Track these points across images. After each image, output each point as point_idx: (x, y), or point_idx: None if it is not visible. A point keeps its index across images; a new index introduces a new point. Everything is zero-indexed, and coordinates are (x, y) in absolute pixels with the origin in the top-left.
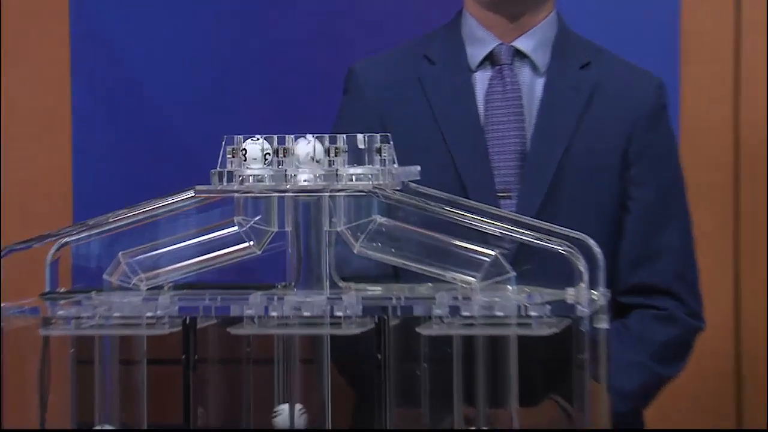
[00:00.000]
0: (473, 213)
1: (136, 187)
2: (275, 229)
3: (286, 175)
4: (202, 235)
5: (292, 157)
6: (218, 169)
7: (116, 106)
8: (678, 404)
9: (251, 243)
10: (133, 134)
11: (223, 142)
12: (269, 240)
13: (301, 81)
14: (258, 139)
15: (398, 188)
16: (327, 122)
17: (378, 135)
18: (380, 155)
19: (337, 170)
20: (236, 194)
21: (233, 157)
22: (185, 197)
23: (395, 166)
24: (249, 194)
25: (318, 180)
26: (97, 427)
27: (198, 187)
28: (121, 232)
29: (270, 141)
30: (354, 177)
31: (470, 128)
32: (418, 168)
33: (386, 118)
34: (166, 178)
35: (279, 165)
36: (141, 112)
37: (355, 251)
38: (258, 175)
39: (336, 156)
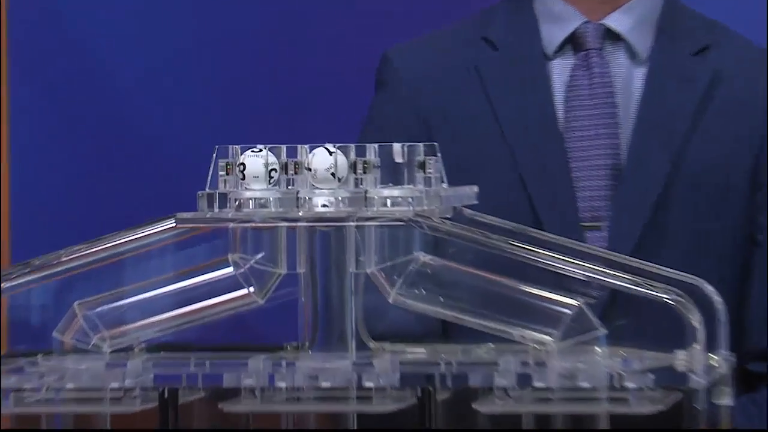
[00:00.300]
0: (549, 249)
1: (97, 215)
2: (283, 270)
3: (298, 198)
4: (185, 279)
5: (307, 175)
6: (207, 190)
7: (67, 104)
8: None
9: (251, 289)
10: (93, 143)
11: (214, 155)
12: (275, 285)
13: (316, 73)
14: (260, 151)
15: (448, 216)
16: (352, 128)
17: (421, 145)
18: (424, 171)
19: (366, 192)
20: (231, 224)
21: (227, 174)
22: (163, 228)
23: (444, 185)
24: (248, 224)
25: (341, 205)
26: None
27: (180, 215)
28: (77, 276)
29: (276, 153)
30: (389, 201)
31: (545, 134)
32: (475, 189)
33: (432, 121)
34: (137, 201)
35: (289, 185)
36: (102, 113)
37: (390, 300)
38: (261, 199)
39: (365, 172)
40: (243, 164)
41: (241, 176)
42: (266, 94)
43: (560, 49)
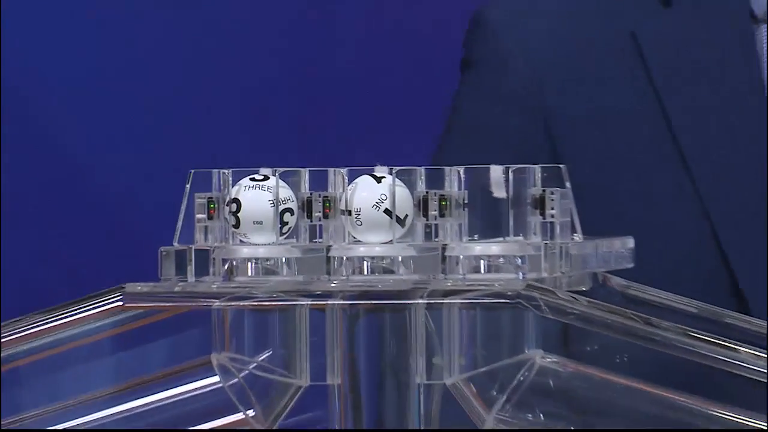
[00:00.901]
0: (754, 348)
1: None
2: (304, 381)
3: (329, 258)
4: (141, 396)
5: (344, 219)
6: (175, 244)
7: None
8: None
9: (250, 413)
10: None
11: (187, 184)
12: (291, 406)
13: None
14: (265, 179)
15: (583, 288)
16: (420, 139)
17: (538, 167)
18: (543, 212)
19: (444, 247)
20: (216, 304)
21: (210, 217)
22: (103, 308)
23: (577, 236)
24: (245, 304)
25: (402, 270)
26: None
27: (130, 288)
28: None
29: (292, 181)
30: (484, 262)
31: (743, 138)
32: (630, 242)
33: (555, 120)
34: (64, 261)
35: (314, 236)
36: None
37: (485, 427)
38: (267, 260)
39: (443, 214)
40: (237, 201)
41: (233, 221)
42: (275, 89)
43: None
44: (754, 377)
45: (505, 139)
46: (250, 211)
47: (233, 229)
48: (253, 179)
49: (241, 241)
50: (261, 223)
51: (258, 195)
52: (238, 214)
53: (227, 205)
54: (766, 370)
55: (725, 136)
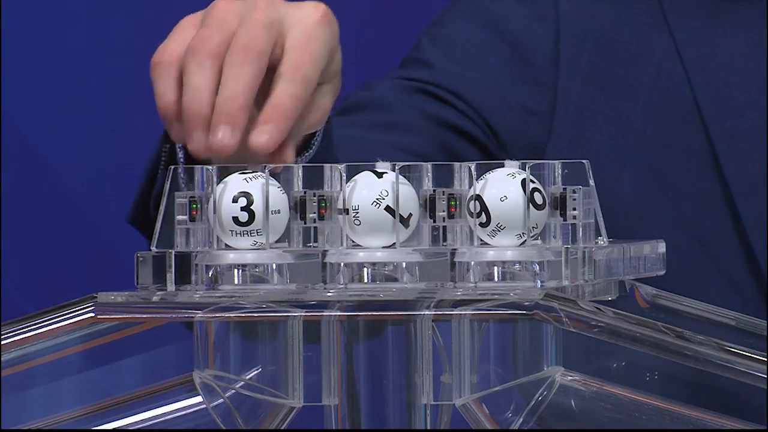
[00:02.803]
0: None
1: None
2: (298, 402)
3: (325, 264)
4: (115, 418)
5: (341, 219)
6: (153, 248)
7: None
8: None
9: None
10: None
11: (167, 182)
12: (282, 427)
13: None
14: (253, 177)
15: (609, 298)
16: None
17: (558, 163)
18: (564, 213)
19: (454, 252)
20: (198, 315)
21: (192, 219)
22: (73, 320)
23: (602, 239)
24: (230, 316)
25: (406, 277)
26: None
27: (103, 298)
28: None
29: (283, 178)
30: (498, 269)
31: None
32: (661, 247)
33: (565, 91)
34: (28, 267)
35: (308, 240)
36: None
37: None
38: (255, 266)
39: (451, 215)
40: (246, 194)
41: (215, 220)
42: None
43: None
44: None
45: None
46: (227, 209)
47: (217, 227)
48: (240, 174)
49: (226, 245)
50: (247, 223)
51: (246, 192)
52: (218, 210)
53: (208, 204)
54: None
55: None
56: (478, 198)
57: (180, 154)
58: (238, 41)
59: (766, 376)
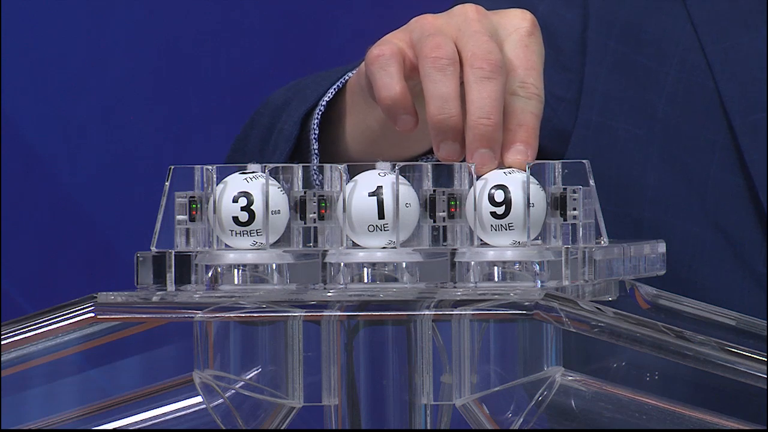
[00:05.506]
0: None
1: None
2: (297, 402)
3: (325, 264)
4: (114, 418)
5: (341, 218)
6: (153, 248)
7: None
8: None
9: None
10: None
11: (167, 182)
12: (282, 427)
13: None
14: (254, 177)
15: (609, 298)
16: None
17: (558, 163)
18: (564, 213)
19: (454, 252)
20: (198, 316)
21: (192, 218)
22: (73, 320)
23: (603, 240)
24: (230, 316)
25: (406, 277)
26: None
27: (103, 298)
28: None
29: (283, 177)
30: (498, 269)
31: None
32: (661, 246)
33: (592, 79)
34: (28, 267)
35: (308, 239)
36: None
37: None
38: (255, 266)
39: (451, 215)
40: (246, 194)
41: (218, 222)
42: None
43: None
44: None
45: None
46: (227, 209)
47: (218, 228)
48: (241, 174)
49: (226, 245)
50: (247, 223)
51: (265, 183)
52: (218, 210)
53: (208, 204)
54: None
55: None
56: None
57: (315, 146)
58: (477, 52)
59: (766, 376)
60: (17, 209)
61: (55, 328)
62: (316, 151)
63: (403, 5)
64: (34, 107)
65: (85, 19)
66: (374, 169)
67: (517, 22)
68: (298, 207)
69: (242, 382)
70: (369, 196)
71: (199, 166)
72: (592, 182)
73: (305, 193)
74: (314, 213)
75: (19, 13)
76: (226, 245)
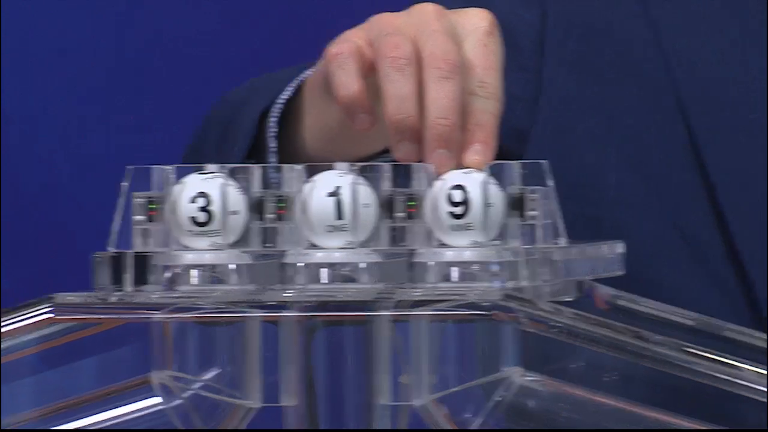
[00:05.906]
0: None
1: None
2: (256, 402)
3: (284, 264)
4: (71, 419)
5: (301, 220)
6: (110, 249)
7: None
8: None
9: None
10: None
11: (125, 182)
12: (240, 428)
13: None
14: (212, 175)
15: (568, 298)
16: None
17: (516, 164)
18: (522, 213)
19: (413, 253)
20: (156, 316)
21: (150, 218)
22: (29, 321)
23: (562, 240)
24: (189, 316)
25: (366, 278)
26: None
27: (60, 298)
28: None
29: (243, 177)
30: (456, 271)
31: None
32: (620, 247)
33: (550, 78)
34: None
35: (266, 240)
36: None
37: None
38: (214, 266)
39: (410, 216)
40: (204, 194)
41: (176, 223)
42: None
43: None
44: (756, 397)
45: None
46: (185, 209)
47: (180, 228)
48: (198, 174)
49: (185, 246)
50: (206, 224)
51: (223, 183)
52: (177, 210)
53: (167, 204)
54: (766, 390)
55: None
56: (462, 188)
57: (273, 144)
58: (436, 52)
59: (724, 377)
60: (18, 209)
61: (12, 329)
62: (274, 150)
63: (403, 5)
64: (35, 108)
65: (86, 19)
66: (333, 169)
67: (476, 22)
68: (257, 207)
69: (200, 383)
70: (328, 196)
71: (157, 166)
72: (550, 182)
73: (264, 193)
74: (273, 213)
75: (22, 14)
76: (184, 246)
